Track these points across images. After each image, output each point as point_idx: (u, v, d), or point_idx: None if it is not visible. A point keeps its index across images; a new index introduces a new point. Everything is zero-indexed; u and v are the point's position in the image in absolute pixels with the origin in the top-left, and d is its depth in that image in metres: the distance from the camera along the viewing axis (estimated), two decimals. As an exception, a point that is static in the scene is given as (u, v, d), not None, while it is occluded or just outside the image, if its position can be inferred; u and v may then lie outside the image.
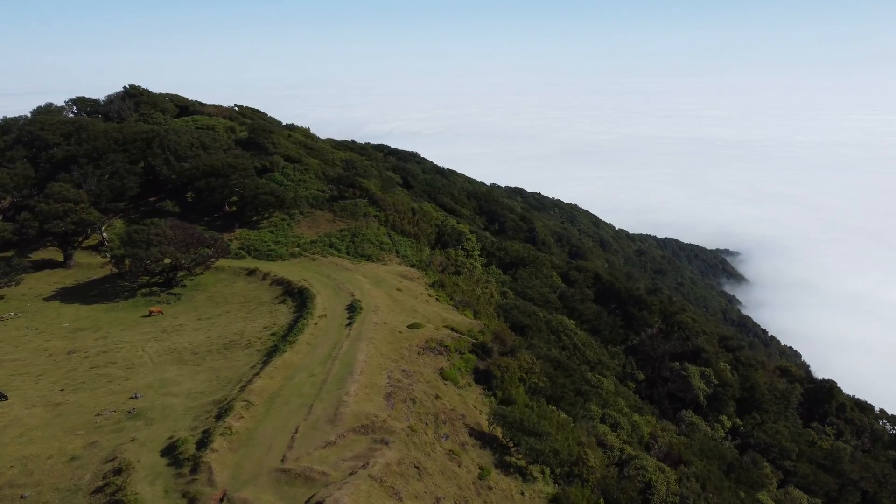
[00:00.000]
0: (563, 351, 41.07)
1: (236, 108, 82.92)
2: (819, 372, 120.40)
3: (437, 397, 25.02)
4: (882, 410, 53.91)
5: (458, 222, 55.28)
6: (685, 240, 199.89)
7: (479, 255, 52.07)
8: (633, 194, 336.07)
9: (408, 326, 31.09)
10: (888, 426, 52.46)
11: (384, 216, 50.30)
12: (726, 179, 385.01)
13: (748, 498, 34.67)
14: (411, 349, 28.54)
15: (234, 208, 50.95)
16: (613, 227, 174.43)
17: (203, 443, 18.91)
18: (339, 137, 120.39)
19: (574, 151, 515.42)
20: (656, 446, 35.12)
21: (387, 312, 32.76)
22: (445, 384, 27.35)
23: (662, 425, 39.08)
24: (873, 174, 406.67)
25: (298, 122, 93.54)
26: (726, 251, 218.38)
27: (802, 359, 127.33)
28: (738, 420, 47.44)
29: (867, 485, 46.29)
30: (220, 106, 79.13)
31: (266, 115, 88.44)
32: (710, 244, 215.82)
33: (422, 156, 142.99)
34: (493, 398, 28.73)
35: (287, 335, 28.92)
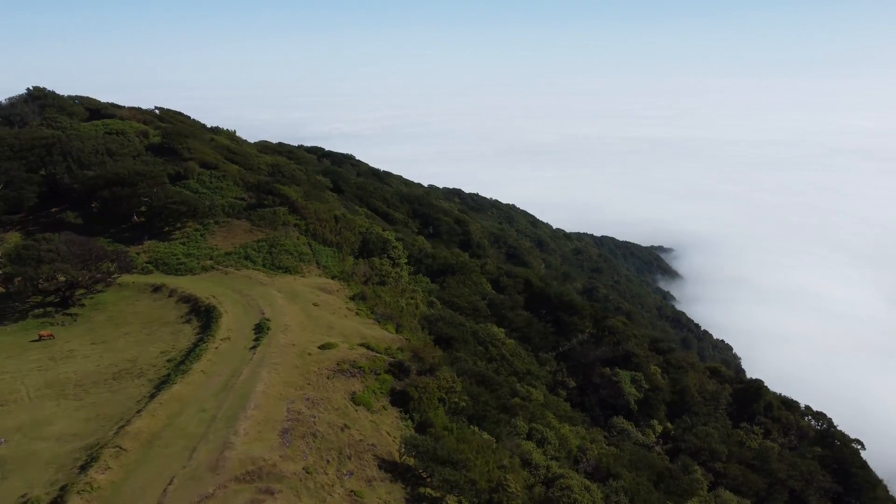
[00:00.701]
0: (491, 363, 39.81)
1: (156, 112, 78.80)
2: (750, 364, 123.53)
3: (344, 427, 23.16)
4: (808, 407, 54.68)
5: (384, 229, 53.40)
6: (621, 237, 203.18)
7: (405, 263, 50.36)
8: (574, 193, 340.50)
9: (319, 347, 29.12)
10: (813, 422, 53.20)
11: (305, 225, 48.03)
12: (665, 178, 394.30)
13: (677, 508, 34.09)
14: (321, 373, 26.57)
15: (143, 219, 47.82)
16: (551, 226, 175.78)
17: (57, 503, 16.53)
18: (277, 140, 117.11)
19: (516, 151, 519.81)
20: (585, 460, 34.17)
21: (298, 332, 30.67)
22: (357, 410, 25.52)
23: (592, 435, 38.25)
24: (805, 172, 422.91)
25: (236, 125, 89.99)
26: (661, 248, 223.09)
27: (734, 351, 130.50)
28: (669, 424, 47.19)
29: (794, 483, 46.69)
30: (139, 109, 75.02)
31: (189, 118, 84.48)
32: (646, 241, 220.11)
33: (357, 158, 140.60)
34: (410, 422, 27.06)
35: (182, 362, 26.49)
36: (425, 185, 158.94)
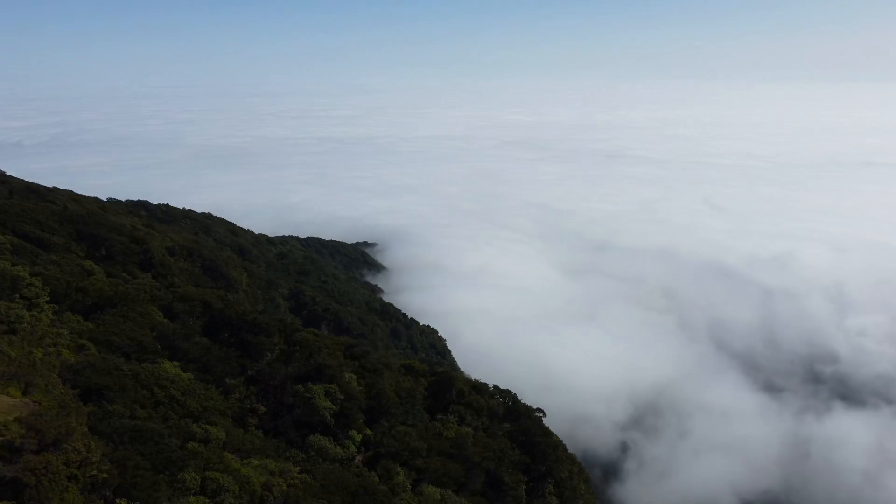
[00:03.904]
0: (158, 408, 34.17)
1: None
2: (454, 344, 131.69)
3: None
4: (495, 386, 58.09)
5: (13, 264, 43.61)
6: (327, 237, 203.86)
7: (46, 302, 41.56)
8: (272, 196, 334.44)
9: None
10: (501, 400, 56.62)
11: None
12: (357, 175, 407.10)
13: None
14: None
15: None
16: (253, 232, 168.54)
17: None
18: None
19: (206, 156, 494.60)
20: (272, 498, 30.82)
21: None
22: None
23: (282, 467, 34.95)
24: (476, 163, 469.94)
25: None
26: (365, 243, 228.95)
27: (439, 334, 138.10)
28: (368, 430, 46.03)
29: (489, 463, 48.97)
30: None
31: None
32: (350, 238, 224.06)
33: (8, 173, 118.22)
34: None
35: None
36: (104, 199, 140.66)
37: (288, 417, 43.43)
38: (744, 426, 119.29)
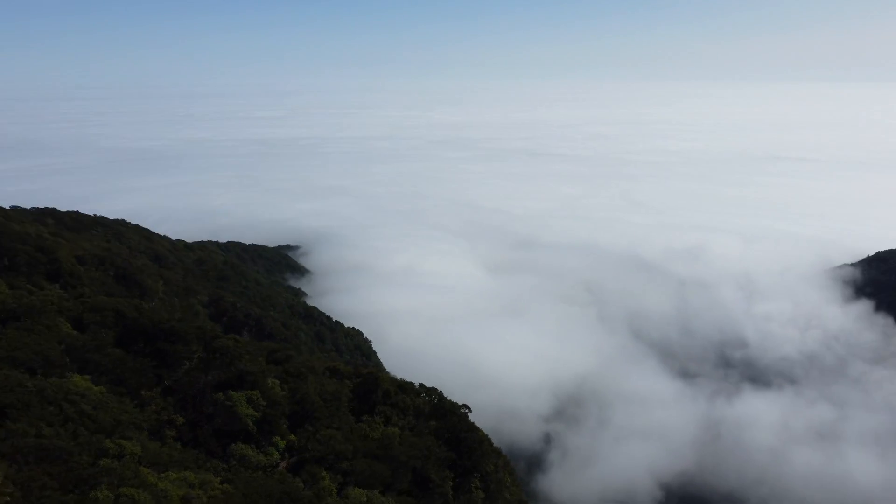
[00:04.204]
0: (67, 424, 33.03)
1: None
2: (380, 346, 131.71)
3: None
4: (421, 385, 58.54)
5: None
6: (248, 241, 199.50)
7: (-59, 318, 39.46)
8: (191, 201, 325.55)
9: None
10: (427, 398, 57.21)
11: None
12: (280, 178, 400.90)
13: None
14: None
15: None
16: (169, 238, 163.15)
17: None
18: None
19: (121, 161, 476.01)
20: (192, 510, 30.36)
21: None
22: None
23: (202, 478, 34.41)
24: (403, 163, 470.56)
25: None
26: (288, 247, 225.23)
27: (364, 336, 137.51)
28: (292, 436, 45.73)
29: (416, 462, 49.49)
30: None
31: None
32: (273, 242, 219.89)
33: None
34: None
35: None
36: (6, 206, 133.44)
37: (208, 427, 42.63)
38: (661, 412, 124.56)
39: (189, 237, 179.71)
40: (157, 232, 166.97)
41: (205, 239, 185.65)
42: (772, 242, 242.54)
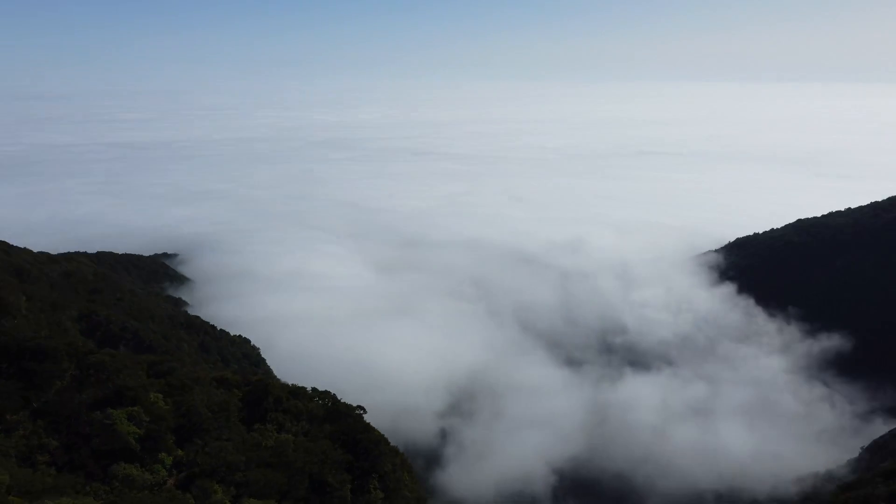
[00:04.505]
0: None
1: None
2: (270, 353, 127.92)
3: None
4: (314, 389, 57.52)
5: None
6: (121, 250, 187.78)
7: None
8: (54, 210, 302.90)
9: None
10: (321, 402, 56.30)
11: None
12: (153, 182, 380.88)
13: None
14: None
15: None
16: (32, 251, 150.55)
17: None
18: None
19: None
20: (72, 538, 28.28)
21: None
22: None
23: (82, 503, 32.19)
24: (283, 164, 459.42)
25: None
26: (165, 255, 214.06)
27: (252, 343, 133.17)
28: (180, 451, 43.56)
29: (312, 467, 48.55)
30: None
31: None
32: (148, 250, 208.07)
33: None
34: None
35: None
36: None
37: (86, 449, 39.78)
38: (550, 400, 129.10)
39: (54, 249, 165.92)
40: (16, 244, 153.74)
41: (72, 250, 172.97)
42: (644, 233, 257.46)
